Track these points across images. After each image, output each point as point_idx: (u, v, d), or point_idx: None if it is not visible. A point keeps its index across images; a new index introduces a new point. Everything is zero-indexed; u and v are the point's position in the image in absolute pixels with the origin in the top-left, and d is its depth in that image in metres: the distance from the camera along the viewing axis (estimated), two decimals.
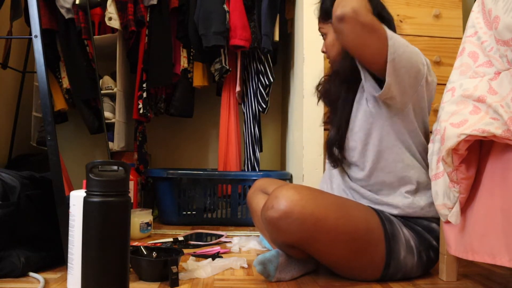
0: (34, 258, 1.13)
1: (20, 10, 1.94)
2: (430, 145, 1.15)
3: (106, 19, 2.00)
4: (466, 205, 1.01)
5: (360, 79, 1.18)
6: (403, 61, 1.06)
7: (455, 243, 1.04)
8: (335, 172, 1.28)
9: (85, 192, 0.88)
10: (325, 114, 1.42)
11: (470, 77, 1.00)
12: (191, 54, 2.15)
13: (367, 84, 1.14)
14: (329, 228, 1.05)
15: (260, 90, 2.13)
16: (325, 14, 1.27)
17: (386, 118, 1.15)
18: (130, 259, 1.06)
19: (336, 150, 1.23)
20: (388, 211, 1.15)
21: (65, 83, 2.15)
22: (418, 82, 1.13)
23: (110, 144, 2.03)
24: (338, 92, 1.24)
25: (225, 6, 2.00)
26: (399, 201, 1.15)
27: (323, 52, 1.34)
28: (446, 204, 1.04)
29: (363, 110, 1.18)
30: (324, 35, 1.31)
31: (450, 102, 1.02)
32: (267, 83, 2.09)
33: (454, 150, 0.94)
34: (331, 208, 1.06)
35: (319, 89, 1.36)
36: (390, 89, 1.08)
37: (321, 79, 1.38)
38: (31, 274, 1.10)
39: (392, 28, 1.24)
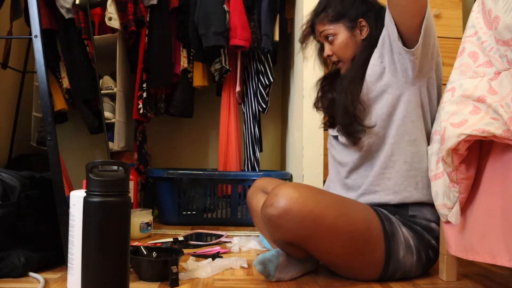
0: (34, 258, 1.13)
1: (20, 10, 1.94)
2: (429, 146, 1.15)
3: (106, 19, 2.00)
4: (466, 205, 1.01)
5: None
6: (431, 24, 1.10)
7: (455, 243, 1.04)
8: (335, 170, 1.29)
9: (85, 192, 0.88)
10: (324, 117, 1.41)
11: (470, 77, 1.00)
12: (191, 54, 2.15)
13: (396, 43, 1.11)
14: (328, 226, 1.05)
15: (260, 90, 2.13)
16: (337, 15, 1.24)
17: (402, 88, 1.16)
18: (130, 259, 1.05)
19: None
20: (383, 200, 1.16)
21: (65, 83, 2.15)
22: (436, 53, 1.17)
23: (110, 144, 2.04)
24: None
25: (225, 6, 2.00)
26: (393, 178, 1.16)
27: (328, 56, 1.27)
28: (446, 204, 1.04)
29: (376, 84, 1.17)
30: (331, 36, 1.25)
31: (450, 102, 1.02)
32: (267, 83, 2.09)
33: (454, 150, 0.94)
34: (330, 207, 1.06)
35: (319, 106, 1.34)
36: (420, 47, 1.09)
37: (317, 94, 1.35)
38: (31, 274, 1.10)
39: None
